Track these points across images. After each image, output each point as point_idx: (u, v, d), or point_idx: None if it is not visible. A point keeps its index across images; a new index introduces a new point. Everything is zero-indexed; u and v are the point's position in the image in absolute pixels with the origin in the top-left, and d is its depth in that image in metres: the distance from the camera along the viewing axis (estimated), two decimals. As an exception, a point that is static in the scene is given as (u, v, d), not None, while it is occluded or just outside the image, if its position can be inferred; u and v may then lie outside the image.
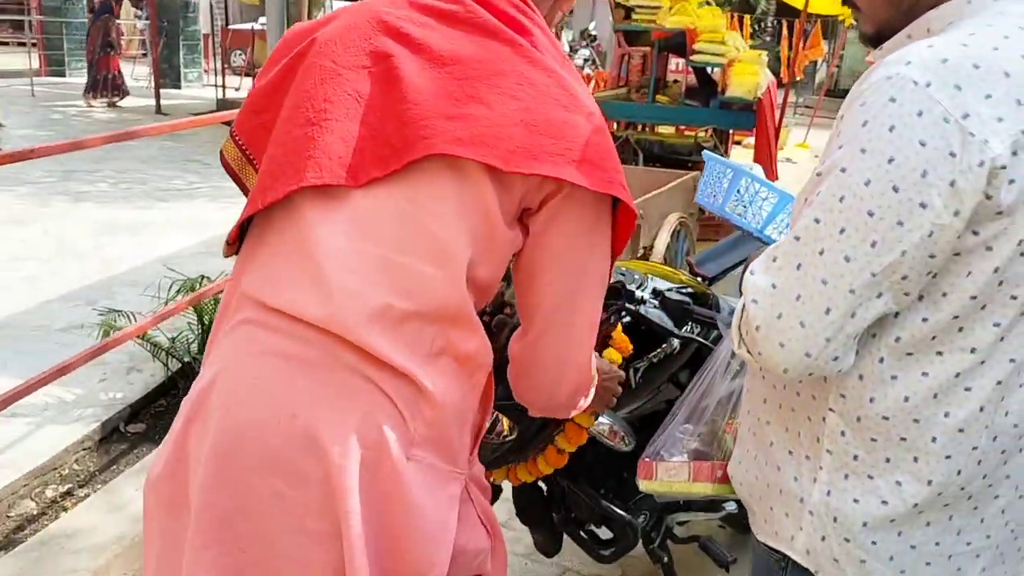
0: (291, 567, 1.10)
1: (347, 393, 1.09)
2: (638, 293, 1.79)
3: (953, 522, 1.18)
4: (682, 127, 8.02)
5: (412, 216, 1.11)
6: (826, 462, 1.18)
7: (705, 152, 1.79)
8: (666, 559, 2.19)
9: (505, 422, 1.65)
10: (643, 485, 1.76)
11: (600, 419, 1.83)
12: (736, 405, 1.67)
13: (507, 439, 1.66)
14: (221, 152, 1.27)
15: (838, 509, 1.18)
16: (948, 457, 1.13)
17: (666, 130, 8.27)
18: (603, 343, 1.74)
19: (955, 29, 1.09)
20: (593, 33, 19.51)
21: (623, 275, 2.03)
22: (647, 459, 1.74)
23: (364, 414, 1.09)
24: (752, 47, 8.03)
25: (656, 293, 1.87)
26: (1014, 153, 1.01)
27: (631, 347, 1.75)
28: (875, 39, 1.21)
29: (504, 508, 2.27)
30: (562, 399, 1.34)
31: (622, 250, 1.28)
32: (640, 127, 7.95)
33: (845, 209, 1.04)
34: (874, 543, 1.17)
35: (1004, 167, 1.01)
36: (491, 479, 1.88)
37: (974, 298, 1.08)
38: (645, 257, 3.89)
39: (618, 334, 1.74)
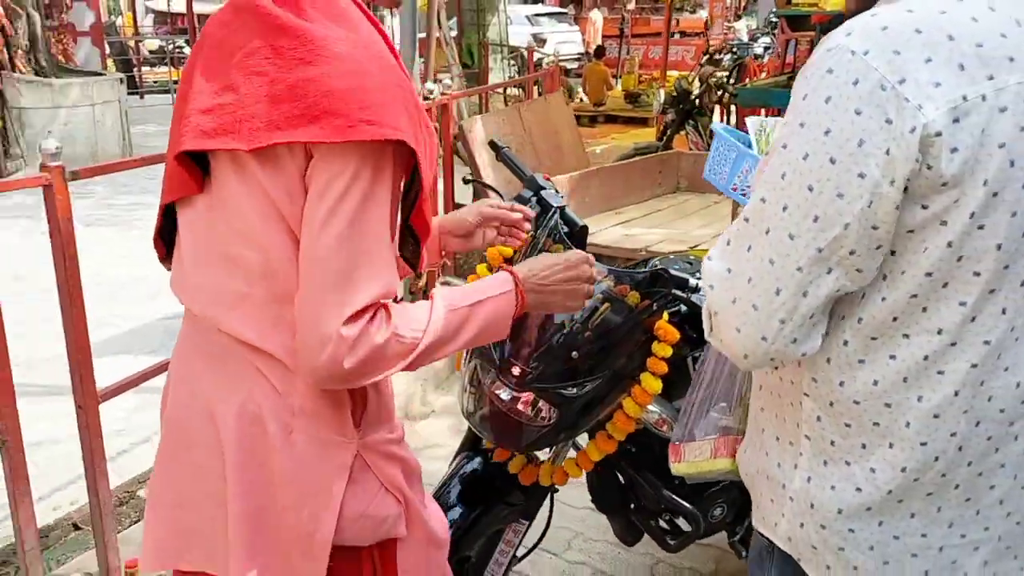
0: (214, 529, 1.26)
1: (233, 375, 1.22)
2: (692, 281, 1.78)
3: (943, 514, 1.13)
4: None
5: (227, 209, 1.18)
6: (805, 448, 1.17)
7: (714, 125, 1.72)
8: (744, 553, 2.16)
9: (545, 405, 1.70)
10: (674, 469, 1.75)
11: (650, 407, 1.84)
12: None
13: (548, 422, 1.71)
14: None
15: (816, 496, 1.16)
16: (924, 444, 1.08)
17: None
18: (648, 332, 1.75)
19: None
20: (774, 20, 18.79)
21: (690, 263, 2.02)
22: (676, 442, 1.73)
23: (247, 392, 1.22)
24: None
25: (711, 281, 1.85)
26: (955, 120, 0.96)
27: (678, 335, 1.75)
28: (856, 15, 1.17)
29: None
30: (308, 366, 1.15)
31: (431, 183, 1.21)
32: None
33: (787, 186, 1.03)
34: (852, 531, 1.14)
35: (939, 134, 0.96)
36: (536, 479, 1.94)
37: (929, 275, 1.03)
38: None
39: (663, 324, 1.74)
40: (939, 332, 1.05)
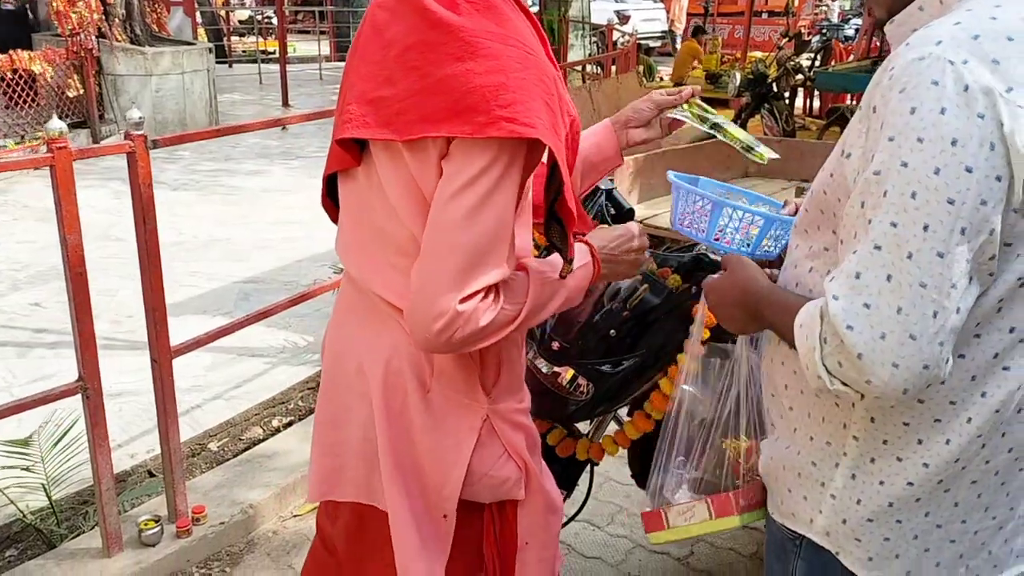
0: (362, 465, 1.38)
1: (381, 332, 1.33)
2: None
3: (982, 500, 1.17)
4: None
5: (380, 186, 1.26)
6: (851, 448, 1.19)
7: (671, 174, 1.62)
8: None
9: (583, 380, 1.77)
10: (654, 539, 1.61)
11: (685, 387, 1.88)
12: (737, 422, 1.56)
13: (585, 396, 1.78)
14: None
15: (862, 492, 1.19)
16: (979, 436, 1.11)
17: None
18: (686, 315, 1.79)
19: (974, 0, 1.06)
20: (868, 0, 18.16)
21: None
22: (650, 509, 1.61)
23: (392, 349, 1.32)
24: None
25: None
26: None
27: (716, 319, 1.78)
28: (887, 18, 1.17)
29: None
30: (420, 335, 1.22)
31: (572, 166, 1.28)
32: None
33: (922, 204, 0.98)
34: (899, 522, 1.18)
35: None
36: (573, 452, 2.01)
37: (1020, 279, 1.05)
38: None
39: (703, 306, 1.78)
40: (1011, 330, 1.07)
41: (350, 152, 1.28)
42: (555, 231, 1.32)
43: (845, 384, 1.05)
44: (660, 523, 1.59)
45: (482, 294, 1.20)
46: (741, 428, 1.57)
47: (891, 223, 1.00)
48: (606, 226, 1.51)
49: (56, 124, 2.18)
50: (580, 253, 1.40)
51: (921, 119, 0.98)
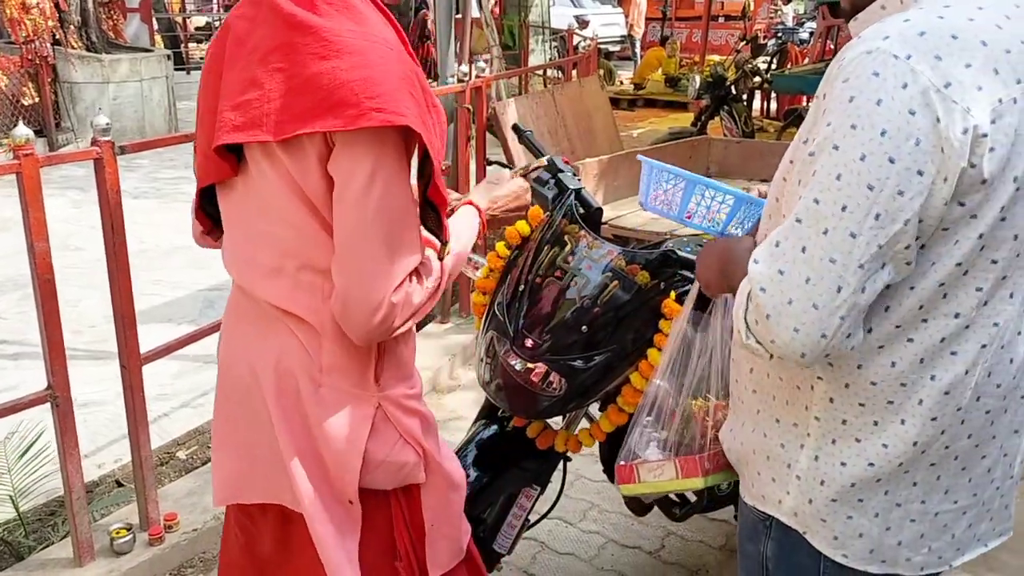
0: (268, 466, 1.41)
1: (269, 335, 1.37)
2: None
3: (941, 482, 1.21)
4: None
5: (260, 191, 1.30)
6: (813, 429, 1.23)
7: (641, 156, 1.67)
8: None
9: (555, 376, 1.80)
10: (626, 490, 1.73)
11: (656, 381, 1.92)
12: (699, 384, 1.65)
13: (557, 392, 1.81)
14: None
15: (826, 473, 1.23)
16: (934, 419, 1.16)
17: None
18: (656, 310, 1.83)
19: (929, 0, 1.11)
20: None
21: (700, 246, 2.09)
22: (624, 463, 1.72)
23: (281, 350, 1.36)
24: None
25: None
26: (992, 121, 1.03)
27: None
28: (851, 15, 1.23)
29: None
30: (361, 331, 1.29)
31: (441, 158, 1.32)
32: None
33: (844, 186, 1.04)
34: (860, 500, 1.22)
35: (985, 135, 1.03)
36: (552, 446, 2.04)
37: (959, 265, 1.10)
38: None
39: (670, 302, 1.81)
40: (956, 316, 1.13)
41: (227, 162, 1.32)
42: (430, 217, 1.38)
43: (759, 342, 1.13)
44: (632, 477, 1.71)
45: (408, 279, 1.29)
46: (710, 389, 1.64)
47: (814, 199, 1.07)
48: (496, 183, 1.65)
49: (22, 131, 2.17)
50: (471, 217, 1.57)
51: (858, 108, 1.04)
